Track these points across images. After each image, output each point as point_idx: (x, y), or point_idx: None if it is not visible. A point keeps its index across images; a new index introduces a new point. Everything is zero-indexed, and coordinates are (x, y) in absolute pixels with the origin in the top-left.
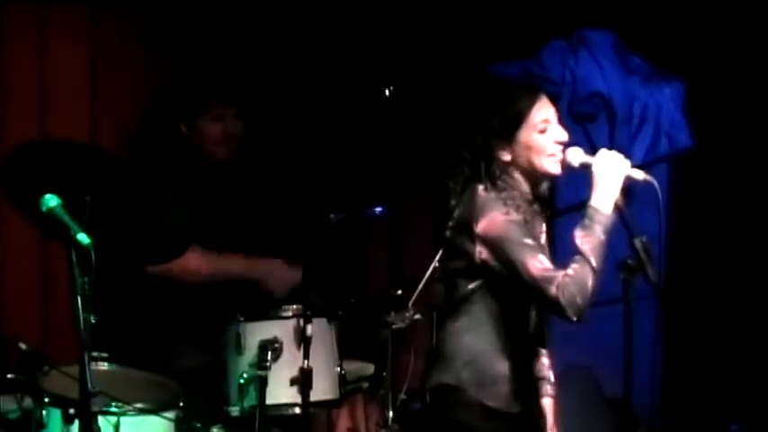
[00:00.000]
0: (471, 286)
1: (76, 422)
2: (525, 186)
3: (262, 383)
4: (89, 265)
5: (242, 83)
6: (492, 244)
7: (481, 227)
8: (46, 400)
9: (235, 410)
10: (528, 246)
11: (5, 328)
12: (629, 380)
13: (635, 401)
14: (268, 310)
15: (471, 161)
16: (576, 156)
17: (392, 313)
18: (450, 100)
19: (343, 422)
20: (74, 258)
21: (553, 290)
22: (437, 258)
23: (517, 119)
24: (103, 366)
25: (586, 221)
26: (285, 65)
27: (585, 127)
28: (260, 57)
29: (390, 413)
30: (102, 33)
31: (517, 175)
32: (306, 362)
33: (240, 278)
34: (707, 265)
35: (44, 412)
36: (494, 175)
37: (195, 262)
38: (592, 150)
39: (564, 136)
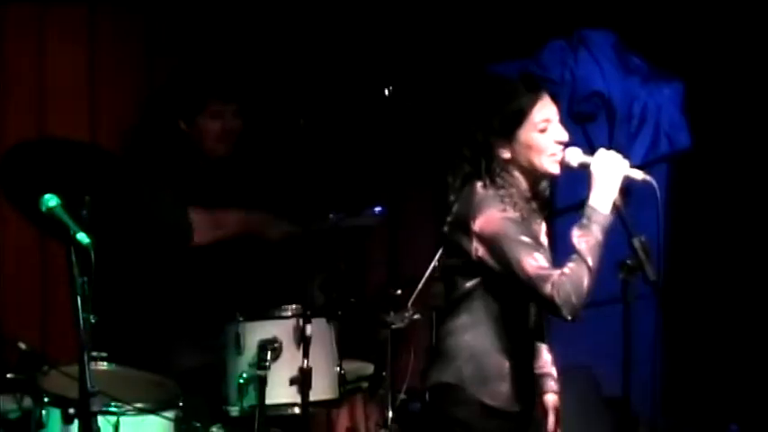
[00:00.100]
0: (470, 284)
1: (76, 422)
2: (524, 184)
3: (261, 383)
4: (88, 264)
5: (241, 80)
6: (488, 241)
7: (478, 224)
8: (45, 399)
9: (234, 410)
10: (524, 243)
11: (5, 327)
12: (628, 379)
13: (634, 401)
14: (267, 309)
15: (471, 158)
16: (575, 155)
17: (391, 313)
18: (449, 100)
19: (342, 422)
20: (73, 258)
21: (548, 288)
22: (436, 258)
23: (518, 117)
24: (103, 366)
25: (584, 221)
26: (284, 64)
27: (585, 127)
28: (259, 55)
29: (390, 413)
30: (101, 33)
31: (516, 174)
32: (305, 362)
33: (240, 230)
34: (706, 265)
35: (44, 412)
36: (493, 172)
37: (197, 217)
38: (591, 150)
39: (564, 136)
